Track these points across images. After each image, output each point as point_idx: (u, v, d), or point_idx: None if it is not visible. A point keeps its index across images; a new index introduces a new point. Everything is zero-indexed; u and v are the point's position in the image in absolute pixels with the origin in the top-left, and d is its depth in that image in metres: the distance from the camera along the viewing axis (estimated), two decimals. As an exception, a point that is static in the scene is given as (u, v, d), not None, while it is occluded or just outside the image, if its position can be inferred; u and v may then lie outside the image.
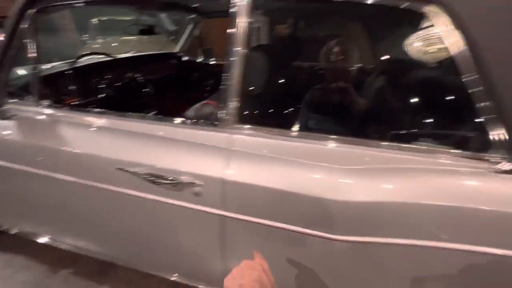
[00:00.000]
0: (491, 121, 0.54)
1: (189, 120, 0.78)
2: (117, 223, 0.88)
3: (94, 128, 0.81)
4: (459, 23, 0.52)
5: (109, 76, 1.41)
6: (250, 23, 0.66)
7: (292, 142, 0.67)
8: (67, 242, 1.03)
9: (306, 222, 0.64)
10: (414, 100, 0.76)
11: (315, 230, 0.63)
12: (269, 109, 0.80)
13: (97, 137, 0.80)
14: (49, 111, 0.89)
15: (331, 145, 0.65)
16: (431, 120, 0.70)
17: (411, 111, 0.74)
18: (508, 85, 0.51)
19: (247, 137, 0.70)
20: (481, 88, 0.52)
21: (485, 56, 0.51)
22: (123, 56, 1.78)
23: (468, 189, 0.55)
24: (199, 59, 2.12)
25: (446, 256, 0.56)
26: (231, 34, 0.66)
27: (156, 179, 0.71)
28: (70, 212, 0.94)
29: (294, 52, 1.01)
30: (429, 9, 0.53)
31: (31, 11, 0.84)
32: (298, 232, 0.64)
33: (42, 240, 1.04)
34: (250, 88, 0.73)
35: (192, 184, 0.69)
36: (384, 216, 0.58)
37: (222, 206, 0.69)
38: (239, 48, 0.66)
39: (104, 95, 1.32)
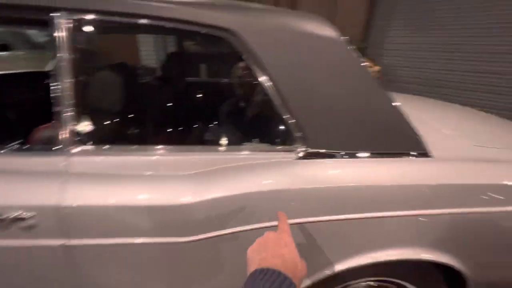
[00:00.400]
0: (293, 126, 0.70)
1: (22, 147, 0.70)
2: None
3: None
4: (250, 50, 0.66)
5: None
6: (74, 44, 0.65)
7: (134, 156, 0.69)
8: None
9: (152, 232, 0.66)
10: (242, 113, 0.91)
11: (165, 237, 0.66)
12: (110, 127, 0.80)
13: None
14: None
15: (172, 155, 0.71)
16: (262, 126, 0.85)
17: (246, 122, 0.89)
18: (297, 102, 0.69)
19: (85, 157, 0.68)
20: (283, 105, 0.68)
21: (277, 79, 0.67)
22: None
23: (274, 173, 0.69)
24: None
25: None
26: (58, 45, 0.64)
27: None
28: None
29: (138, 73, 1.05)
30: (223, 35, 0.66)
31: None
32: (147, 243, 0.66)
33: None
34: (90, 108, 0.72)
35: (21, 218, 0.62)
36: (219, 207, 0.66)
37: (62, 234, 0.64)
38: (64, 54, 0.64)
39: None
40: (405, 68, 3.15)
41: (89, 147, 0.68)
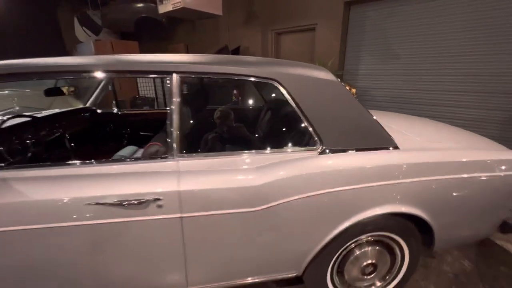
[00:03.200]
0: (314, 134, 1.14)
1: (141, 158, 1.07)
2: (93, 257, 1.00)
3: (49, 177, 0.97)
4: (288, 91, 1.12)
5: (35, 134, 1.46)
6: (181, 89, 1.07)
7: (211, 158, 1.09)
8: None
9: (231, 205, 1.04)
10: (282, 126, 1.36)
11: (237, 209, 1.04)
12: (197, 141, 1.18)
13: (55, 184, 0.95)
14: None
15: (243, 156, 1.11)
16: (286, 130, 1.29)
17: (283, 132, 1.32)
18: (316, 119, 1.13)
19: (188, 161, 1.06)
20: (307, 121, 1.12)
21: (303, 105, 1.12)
22: (42, 115, 1.79)
23: (307, 164, 1.11)
24: (114, 111, 2.29)
25: (313, 201, 1.09)
26: (171, 97, 1.05)
27: (121, 204, 0.95)
28: (39, 262, 0.97)
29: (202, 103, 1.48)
30: (272, 82, 1.11)
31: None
32: (227, 213, 1.03)
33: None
34: (184, 130, 1.11)
35: (154, 200, 0.98)
36: (277, 187, 1.06)
37: (180, 210, 1.00)
38: (176, 107, 1.06)
39: (34, 151, 1.36)
40: (376, 89, 3.81)
41: (187, 155, 1.07)
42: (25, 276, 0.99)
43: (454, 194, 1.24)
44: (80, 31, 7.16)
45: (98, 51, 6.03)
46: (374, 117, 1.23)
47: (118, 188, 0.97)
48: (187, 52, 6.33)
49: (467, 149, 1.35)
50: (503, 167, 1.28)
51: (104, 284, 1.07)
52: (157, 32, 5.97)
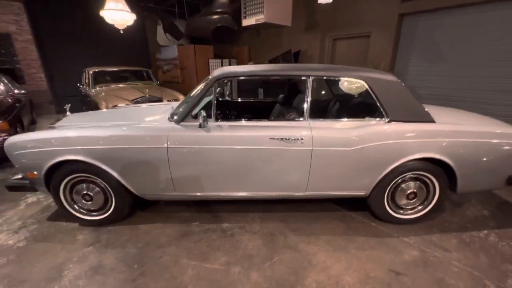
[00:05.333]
0: (383, 111, 2.05)
1: (288, 119, 2.10)
2: (268, 168, 2.05)
3: (249, 127, 2.03)
4: (370, 87, 2.03)
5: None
6: (314, 84, 2.06)
7: (326, 122, 2.06)
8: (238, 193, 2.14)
9: (338, 145, 1.99)
10: (359, 104, 2.28)
11: (340, 148, 1.99)
12: (320, 110, 2.16)
13: (254, 129, 2.01)
14: (220, 123, 2.05)
15: (340, 122, 2.07)
16: (366, 109, 2.20)
17: (363, 108, 2.24)
18: (385, 102, 2.04)
19: (314, 121, 2.05)
20: (380, 103, 2.03)
21: (378, 95, 2.03)
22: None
23: (380, 127, 2.01)
24: (228, 99, 3.43)
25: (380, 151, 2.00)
26: (306, 88, 2.05)
27: (285, 139, 1.97)
28: (242, 168, 2.05)
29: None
30: (360, 81, 2.04)
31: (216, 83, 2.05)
32: (335, 149, 2.00)
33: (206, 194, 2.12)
34: (312, 105, 2.10)
35: (300, 139, 1.98)
36: (363, 138, 1.99)
37: (311, 145, 1.99)
38: (310, 93, 2.04)
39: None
40: (424, 88, 4.44)
41: (313, 119, 2.06)
42: (233, 173, 2.08)
43: (472, 152, 2.03)
44: (161, 37, 8.74)
45: (180, 53, 7.46)
46: (421, 104, 2.08)
47: (283, 132, 1.99)
48: (250, 53, 7.45)
49: (484, 125, 2.11)
50: (509, 138, 2.04)
51: (266, 182, 2.12)
52: (229, 38, 7.16)
